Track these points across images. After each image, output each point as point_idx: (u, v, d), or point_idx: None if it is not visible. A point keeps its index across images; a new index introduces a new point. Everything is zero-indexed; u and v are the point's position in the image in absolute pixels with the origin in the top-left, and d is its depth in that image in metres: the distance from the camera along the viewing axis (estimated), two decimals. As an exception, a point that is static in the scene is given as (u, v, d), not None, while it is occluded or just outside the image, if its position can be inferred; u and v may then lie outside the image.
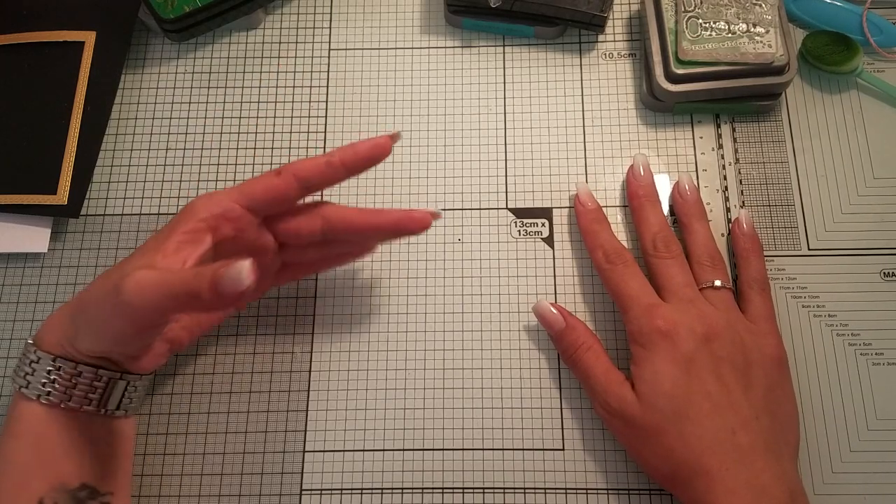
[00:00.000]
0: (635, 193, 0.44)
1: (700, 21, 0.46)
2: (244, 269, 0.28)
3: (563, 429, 0.42)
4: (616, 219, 0.46)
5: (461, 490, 0.41)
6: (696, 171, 0.47)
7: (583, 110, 0.49)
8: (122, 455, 0.38)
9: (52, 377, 0.35)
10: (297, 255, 0.41)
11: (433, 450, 0.42)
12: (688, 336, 0.37)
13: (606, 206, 0.46)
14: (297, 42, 0.51)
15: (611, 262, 0.42)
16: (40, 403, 0.35)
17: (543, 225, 0.46)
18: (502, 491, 0.41)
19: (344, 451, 0.42)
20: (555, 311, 0.42)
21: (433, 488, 0.41)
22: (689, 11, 0.46)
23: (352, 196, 0.47)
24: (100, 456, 0.37)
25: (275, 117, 0.49)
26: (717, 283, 0.41)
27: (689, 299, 0.39)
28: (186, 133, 0.49)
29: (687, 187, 0.44)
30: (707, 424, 0.36)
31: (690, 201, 0.44)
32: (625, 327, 0.40)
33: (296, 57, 0.51)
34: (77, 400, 0.35)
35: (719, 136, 0.48)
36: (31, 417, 0.35)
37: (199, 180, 0.48)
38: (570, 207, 0.46)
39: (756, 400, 0.37)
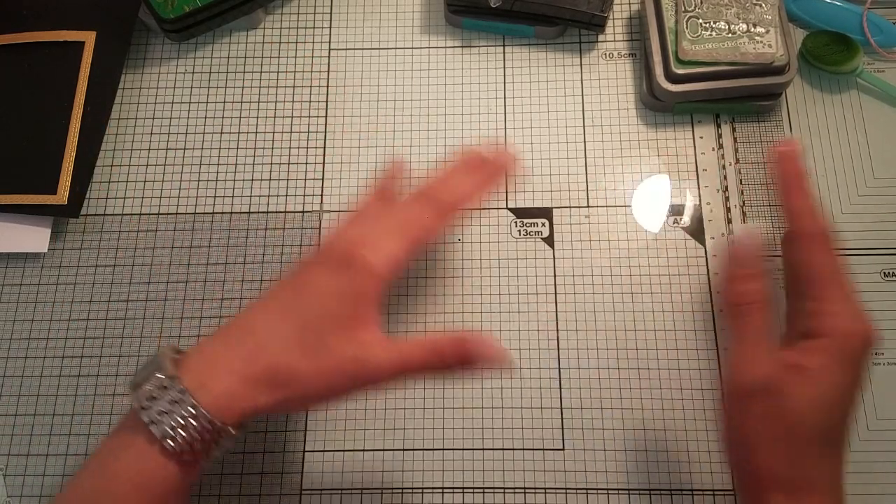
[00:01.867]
0: None
1: (700, 21, 0.46)
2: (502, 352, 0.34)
3: (563, 429, 0.42)
4: (617, 219, 0.46)
5: (461, 490, 0.41)
6: (696, 170, 0.47)
7: (583, 110, 0.48)
8: (189, 494, 0.36)
9: (186, 427, 0.32)
10: None
11: (433, 450, 0.42)
12: (869, 354, 0.35)
13: (606, 206, 0.46)
14: (297, 42, 0.51)
15: None
16: (167, 455, 0.32)
17: (543, 225, 0.46)
18: (502, 491, 0.41)
19: (344, 451, 0.42)
20: (753, 250, 0.36)
21: (433, 488, 0.41)
22: (690, 11, 0.46)
23: (351, 196, 0.47)
24: (185, 502, 0.35)
25: (275, 117, 0.49)
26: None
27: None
28: (186, 133, 0.49)
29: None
30: (843, 445, 0.34)
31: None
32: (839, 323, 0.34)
33: (296, 57, 0.51)
34: (202, 461, 0.33)
35: (719, 136, 0.48)
36: (165, 474, 0.32)
37: (199, 180, 0.48)
38: (570, 207, 0.46)
39: None
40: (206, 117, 0.49)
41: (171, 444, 0.32)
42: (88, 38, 0.48)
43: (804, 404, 0.33)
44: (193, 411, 0.32)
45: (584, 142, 0.48)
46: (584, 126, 0.48)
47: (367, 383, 0.34)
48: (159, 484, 0.32)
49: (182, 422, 0.32)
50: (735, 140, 0.48)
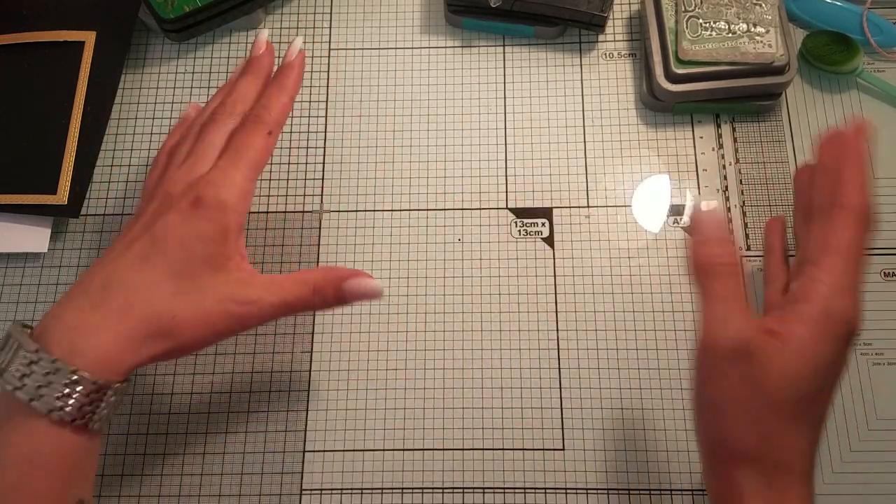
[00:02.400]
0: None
1: (700, 21, 0.46)
2: (376, 286, 0.36)
3: (563, 429, 0.42)
4: (617, 219, 0.46)
5: (461, 490, 0.41)
6: (696, 171, 0.47)
7: (583, 110, 0.48)
8: (95, 460, 0.35)
9: (71, 394, 0.31)
10: None
11: (433, 450, 0.42)
12: (851, 342, 0.33)
13: (606, 206, 0.46)
14: (297, 42, 0.51)
15: None
16: (59, 426, 0.31)
17: (543, 225, 0.46)
18: (502, 491, 0.41)
19: (344, 451, 0.42)
20: (720, 219, 0.34)
21: (433, 488, 0.41)
22: (690, 11, 0.46)
23: (351, 196, 0.47)
24: (90, 469, 0.34)
25: (275, 117, 0.49)
26: None
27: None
28: (186, 133, 0.49)
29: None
30: (816, 434, 0.33)
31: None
32: (814, 289, 0.33)
33: (296, 57, 0.51)
34: (96, 422, 0.32)
35: (719, 135, 0.48)
36: (53, 444, 0.31)
37: (199, 180, 0.48)
38: (570, 207, 0.46)
39: None
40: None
41: (60, 414, 0.31)
42: (88, 38, 0.48)
43: (778, 373, 0.32)
44: (75, 377, 0.31)
45: (584, 142, 0.48)
46: (584, 126, 0.48)
47: (251, 322, 0.35)
48: (59, 458, 0.31)
49: (66, 390, 0.31)
50: (735, 140, 0.48)
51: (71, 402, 0.31)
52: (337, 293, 0.36)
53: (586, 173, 0.47)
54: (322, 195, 0.47)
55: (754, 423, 0.32)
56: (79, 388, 0.31)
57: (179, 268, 0.33)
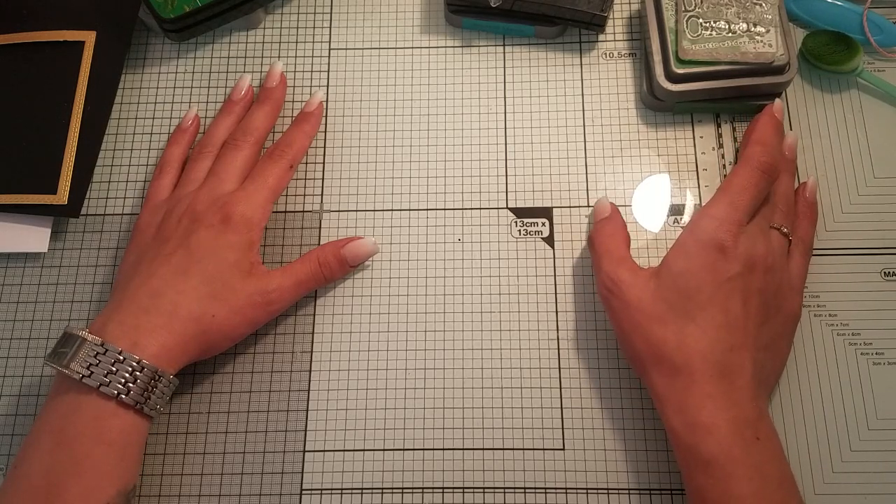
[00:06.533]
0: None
1: (700, 20, 0.46)
2: (370, 242, 0.44)
3: (563, 429, 0.42)
4: (616, 219, 0.46)
5: (461, 490, 0.41)
6: (697, 170, 0.47)
7: (583, 110, 0.48)
8: (144, 444, 0.39)
9: (134, 380, 0.37)
10: None
11: (433, 450, 0.42)
12: (740, 259, 0.38)
13: (606, 206, 0.46)
14: (297, 42, 0.51)
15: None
16: (123, 407, 0.37)
17: (543, 225, 0.46)
18: (502, 491, 0.41)
19: (344, 451, 0.42)
20: (608, 204, 0.44)
21: (433, 488, 0.41)
22: (690, 11, 0.46)
23: (351, 196, 0.47)
24: (140, 452, 0.38)
25: (275, 117, 0.49)
26: (785, 229, 0.41)
27: (763, 231, 0.40)
28: (186, 133, 0.49)
29: (792, 147, 0.45)
30: (711, 334, 0.37)
31: (788, 159, 0.45)
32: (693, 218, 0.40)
33: (296, 57, 0.51)
34: (151, 407, 0.38)
35: (719, 135, 0.48)
36: (122, 425, 0.37)
37: (199, 180, 0.48)
38: (570, 207, 0.46)
39: (764, 338, 0.38)
40: (206, 117, 0.49)
41: (125, 397, 0.36)
42: (88, 38, 0.48)
43: (635, 296, 0.39)
44: (138, 365, 0.36)
45: (584, 142, 0.48)
46: (584, 126, 0.48)
47: (276, 306, 0.42)
48: (120, 435, 0.36)
49: (130, 377, 0.36)
50: (735, 140, 0.48)
51: (133, 386, 0.36)
52: (339, 260, 0.43)
53: (586, 173, 0.47)
54: (322, 195, 0.47)
55: (641, 337, 0.38)
56: (140, 376, 0.36)
57: (214, 275, 0.40)
